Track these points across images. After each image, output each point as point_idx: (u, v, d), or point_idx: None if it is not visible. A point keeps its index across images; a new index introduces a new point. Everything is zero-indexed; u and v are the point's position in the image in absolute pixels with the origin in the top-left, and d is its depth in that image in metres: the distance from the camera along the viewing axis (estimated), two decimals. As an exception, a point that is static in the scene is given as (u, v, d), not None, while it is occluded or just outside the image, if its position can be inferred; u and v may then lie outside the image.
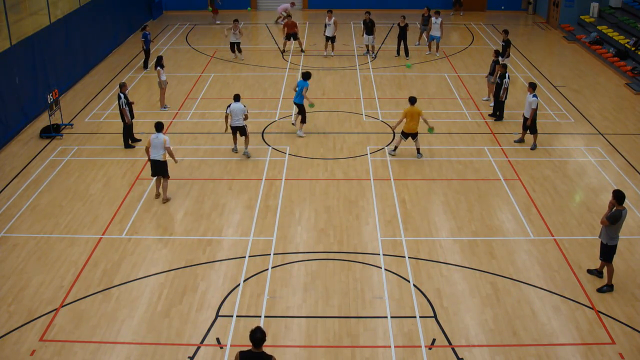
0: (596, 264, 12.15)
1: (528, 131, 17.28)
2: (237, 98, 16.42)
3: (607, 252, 11.46)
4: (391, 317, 10.93)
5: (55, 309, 11.16)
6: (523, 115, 17.44)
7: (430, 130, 16.54)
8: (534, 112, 16.93)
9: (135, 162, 16.57)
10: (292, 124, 18.79)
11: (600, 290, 11.61)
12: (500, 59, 20.48)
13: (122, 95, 16.84)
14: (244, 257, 12.62)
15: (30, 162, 16.71)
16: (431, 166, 16.29)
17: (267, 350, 8.13)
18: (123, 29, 28.30)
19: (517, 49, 27.11)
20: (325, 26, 25.52)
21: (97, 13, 25.10)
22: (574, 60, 25.76)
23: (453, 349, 10.23)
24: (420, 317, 10.92)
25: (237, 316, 10.97)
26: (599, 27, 27.87)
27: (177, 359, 10.07)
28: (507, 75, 18.64)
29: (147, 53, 23.98)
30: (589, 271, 12.11)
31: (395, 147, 16.77)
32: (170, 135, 18.18)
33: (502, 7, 34.36)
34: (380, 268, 12.24)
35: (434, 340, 10.41)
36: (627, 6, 28.38)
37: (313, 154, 17.01)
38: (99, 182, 15.61)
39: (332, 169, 16.21)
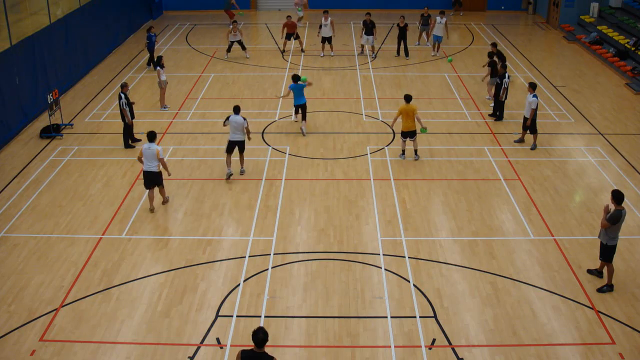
0: (596, 264, 12.15)
1: (528, 131, 17.29)
2: (236, 110, 15.43)
3: (607, 252, 11.46)
4: (391, 317, 10.93)
5: (55, 309, 11.16)
6: (523, 115, 17.44)
7: (423, 130, 16.32)
8: (534, 112, 16.93)
9: (135, 162, 16.56)
10: (295, 120, 18.98)
11: (600, 290, 11.61)
12: (496, 60, 20.45)
13: (122, 96, 16.85)
14: (244, 257, 12.62)
15: (30, 162, 16.71)
16: (431, 166, 16.29)
17: (267, 350, 8.13)
18: (123, 29, 28.29)
19: (517, 49, 27.12)
20: (321, 27, 25.47)
21: (97, 13, 25.10)
22: (574, 60, 25.76)
23: (453, 349, 10.23)
24: (420, 317, 10.92)
25: (237, 316, 10.97)
26: (599, 27, 27.87)
27: (177, 359, 10.08)
28: (507, 75, 18.64)
29: (151, 53, 23.93)
30: (589, 271, 12.11)
31: (403, 152, 16.63)
32: (170, 136, 18.19)
33: (502, 7, 34.35)
34: (380, 268, 12.24)
35: (434, 340, 10.41)
36: (627, 6, 28.38)
37: (313, 154, 17.01)
38: (99, 182, 15.61)
39: (332, 169, 16.21)
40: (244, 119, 15.30)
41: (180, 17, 32.82)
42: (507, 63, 20.11)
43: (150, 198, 14.17)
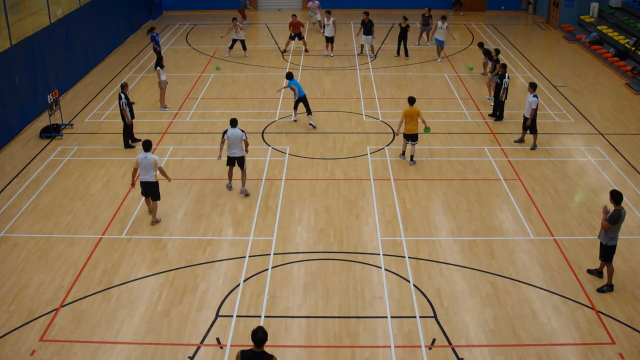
0: (596, 264, 12.15)
1: (528, 131, 17.28)
2: (233, 123, 14.56)
3: (607, 252, 11.46)
4: (391, 317, 10.93)
5: (55, 309, 11.16)
6: (523, 115, 17.44)
7: (427, 130, 16.22)
8: (534, 112, 16.93)
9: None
10: (294, 120, 18.98)
11: (600, 290, 11.61)
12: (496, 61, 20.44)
13: (122, 96, 16.85)
14: (244, 257, 12.62)
15: (30, 162, 16.71)
16: (431, 166, 16.28)
17: (267, 350, 8.13)
18: (123, 29, 28.30)
19: (517, 49, 27.13)
20: (324, 26, 25.54)
21: (97, 13, 25.10)
22: (574, 60, 25.77)
23: (453, 349, 10.23)
24: (420, 317, 10.92)
25: (237, 316, 10.97)
26: (599, 27, 27.87)
27: (177, 359, 10.07)
28: (506, 75, 18.64)
29: (159, 54, 23.74)
30: (589, 271, 12.11)
31: (403, 152, 16.57)
32: (170, 136, 18.19)
33: (502, 7, 34.36)
34: (380, 268, 12.24)
35: (434, 340, 10.41)
36: (627, 6, 28.38)
37: (313, 154, 17.01)
38: (99, 182, 15.61)
39: (332, 169, 16.21)
40: (243, 131, 14.52)
41: (180, 17, 32.84)
42: (506, 63, 20.13)
43: (148, 203, 13.86)
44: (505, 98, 18.85)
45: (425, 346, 10.28)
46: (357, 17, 30.55)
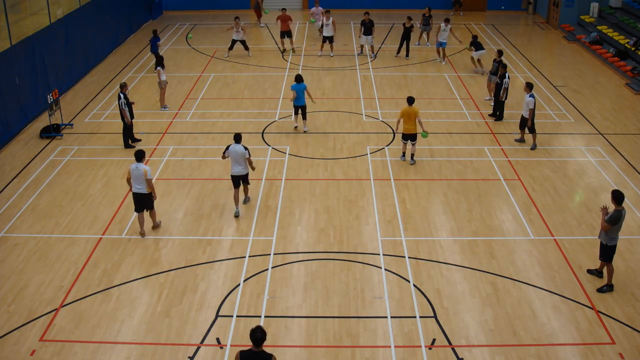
0: (596, 264, 12.15)
1: (527, 130, 17.28)
2: (237, 138, 13.68)
3: (607, 252, 11.46)
4: (391, 317, 10.93)
5: (55, 309, 11.16)
6: (521, 115, 17.44)
7: (424, 134, 15.79)
8: (532, 112, 16.94)
9: (135, 162, 16.57)
10: (295, 127, 18.58)
11: (600, 290, 11.61)
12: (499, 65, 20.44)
13: (122, 96, 16.85)
14: (244, 257, 12.62)
15: (30, 162, 16.71)
16: (431, 166, 16.28)
17: (267, 350, 8.13)
18: (123, 29, 28.30)
19: (517, 49, 27.13)
20: (322, 26, 25.53)
21: (97, 13, 25.11)
22: (574, 60, 25.77)
23: (453, 349, 10.23)
24: (420, 317, 10.92)
25: (237, 316, 10.97)
26: (599, 27, 27.88)
27: (177, 359, 10.07)
28: (507, 75, 18.64)
29: (157, 55, 23.91)
30: (589, 271, 12.11)
31: (404, 154, 16.46)
32: (170, 136, 18.19)
33: (502, 7, 34.36)
34: (380, 268, 12.24)
35: (434, 340, 10.41)
36: (627, 6, 28.38)
37: (313, 154, 17.01)
38: (99, 182, 15.61)
39: (332, 169, 16.21)
40: (246, 148, 13.57)
41: (180, 17, 32.84)
42: (506, 63, 20.14)
43: (140, 222, 13.20)
44: (506, 98, 18.85)
45: (425, 346, 10.28)
46: (357, 17, 30.55)
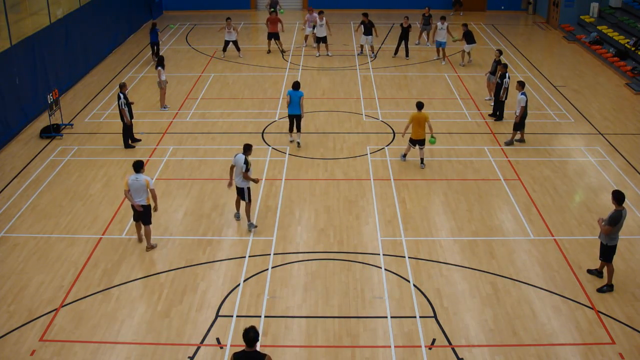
0: (596, 264, 12.14)
1: (517, 129, 17.37)
2: (246, 149, 13.10)
3: (607, 252, 11.46)
4: (391, 317, 10.93)
5: (55, 309, 11.16)
6: (515, 114, 17.54)
7: (432, 140, 15.72)
8: (523, 110, 16.99)
9: (135, 162, 16.57)
10: (291, 141, 17.60)
11: (600, 290, 11.61)
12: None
13: (121, 96, 16.84)
14: (244, 257, 12.62)
15: (30, 162, 16.71)
16: (431, 166, 16.28)
17: (267, 350, 8.15)
18: (123, 29, 28.30)
19: (517, 49, 27.13)
20: (315, 27, 25.54)
21: (97, 13, 25.11)
22: (574, 60, 25.77)
23: (453, 349, 10.23)
24: (420, 317, 10.92)
25: (237, 316, 10.97)
26: (599, 27, 27.88)
27: (177, 359, 10.07)
28: (507, 75, 18.64)
29: (153, 46, 24.51)
30: (589, 271, 12.11)
31: (404, 155, 16.42)
32: (170, 136, 18.19)
33: (502, 7, 34.37)
34: (380, 268, 12.24)
35: (434, 340, 10.41)
36: (627, 6, 28.38)
37: (313, 154, 17.01)
38: (99, 182, 15.61)
39: (332, 169, 16.21)
40: (245, 163, 12.94)
41: (180, 17, 32.84)
42: (507, 63, 20.16)
43: (138, 229, 12.89)
44: (506, 98, 18.85)
45: (425, 346, 10.28)
46: (357, 17, 30.56)
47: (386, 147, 17.32)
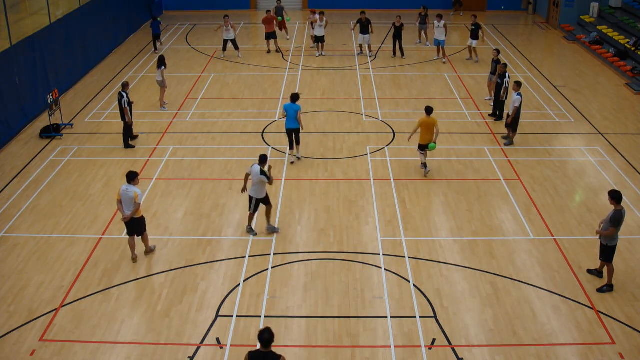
0: (596, 264, 12.15)
1: (510, 129, 17.40)
2: (262, 159, 12.86)
3: (607, 252, 11.46)
4: (391, 317, 10.93)
5: (55, 309, 11.16)
6: (507, 114, 17.56)
7: (433, 145, 15.33)
8: (516, 110, 16.99)
9: (136, 162, 16.57)
10: (292, 162, 16.42)
11: (600, 290, 11.61)
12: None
13: (124, 95, 16.87)
14: (244, 257, 12.62)
15: (30, 162, 16.71)
16: (431, 166, 16.26)
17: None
18: (123, 29, 28.30)
19: (517, 49, 27.13)
20: (314, 26, 25.53)
21: (97, 13, 25.10)
22: (574, 60, 25.77)
23: (453, 349, 10.23)
24: (420, 317, 10.92)
25: (237, 316, 10.97)
26: (599, 27, 27.88)
27: (177, 359, 10.07)
28: (507, 74, 18.64)
29: (155, 38, 25.35)
30: (589, 271, 12.11)
31: (423, 164, 15.72)
32: (170, 136, 18.18)
33: (502, 7, 34.36)
34: (380, 268, 12.24)
35: (434, 340, 10.41)
36: (627, 6, 28.38)
37: (313, 154, 17.01)
38: (99, 182, 15.61)
39: (332, 169, 16.20)
40: (264, 174, 12.64)
41: (180, 17, 32.84)
42: (506, 63, 20.17)
43: (132, 246, 12.35)
44: (506, 98, 18.84)
45: (425, 346, 10.28)
46: (357, 17, 30.59)
47: (386, 147, 17.32)
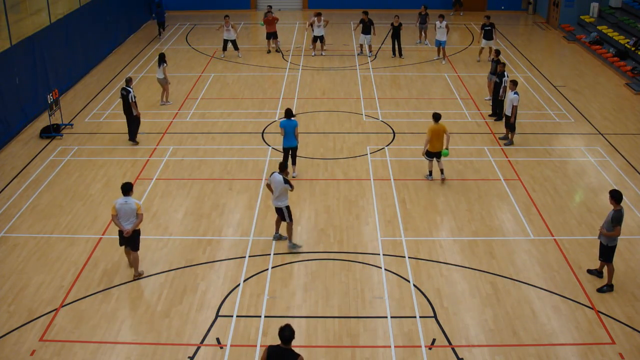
0: (596, 264, 12.14)
1: (506, 127, 17.42)
2: (281, 167, 12.62)
3: (607, 252, 11.46)
4: (391, 317, 10.93)
5: (55, 309, 11.16)
6: (504, 114, 17.54)
7: (445, 152, 15.05)
8: (515, 109, 16.99)
9: (136, 162, 16.58)
10: (291, 177, 15.51)
11: (600, 290, 11.60)
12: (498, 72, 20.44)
13: (130, 90, 17.02)
14: (244, 257, 12.62)
15: (30, 162, 16.71)
16: (436, 171, 16.25)
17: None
18: (123, 29, 28.30)
19: (517, 49, 27.13)
20: (312, 26, 25.53)
21: (97, 13, 25.11)
22: (574, 60, 25.77)
23: (453, 349, 10.23)
24: (420, 317, 10.92)
25: (237, 316, 10.97)
26: (599, 27, 27.88)
27: (177, 359, 10.07)
28: (505, 73, 18.64)
29: (160, 26, 26.19)
30: (589, 271, 12.11)
31: (430, 172, 15.51)
32: (170, 136, 18.19)
33: (502, 7, 34.36)
34: (380, 268, 12.24)
35: (434, 340, 10.41)
36: (627, 6, 28.38)
37: (313, 154, 17.01)
38: (99, 182, 15.61)
39: (332, 169, 16.20)
40: (287, 181, 12.42)
41: (180, 17, 32.84)
42: (506, 62, 20.17)
43: (127, 253, 11.96)
44: (505, 97, 18.83)
45: (425, 346, 10.28)
46: (358, 17, 30.55)
47: (386, 147, 17.32)
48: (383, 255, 12.65)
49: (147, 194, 14.95)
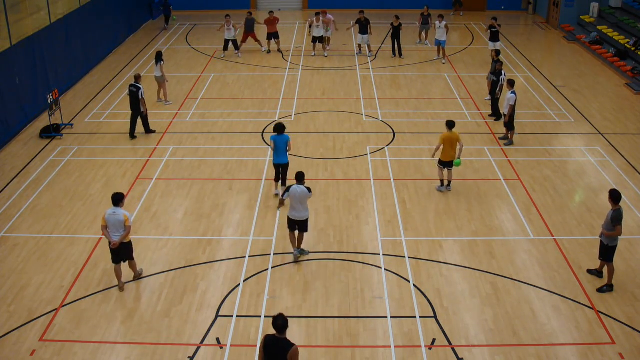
0: (596, 264, 12.14)
1: (504, 127, 17.40)
2: (299, 177, 12.06)
3: (607, 252, 11.46)
4: (391, 317, 10.93)
5: (55, 309, 11.16)
6: (502, 113, 17.54)
7: (458, 162, 14.55)
8: (512, 109, 16.99)
9: (136, 162, 16.58)
10: (275, 194, 14.83)
11: (600, 290, 11.61)
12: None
13: (140, 87, 17.28)
14: (244, 257, 12.62)
15: (30, 162, 16.71)
16: (431, 166, 16.26)
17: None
18: (123, 29, 28.30)
19: (517, 48, 27.13)
20: (311, 27, 25.54)
21: (97, 13, 25.10)
22: (574, 60, 25.77)
23: (453, 349, 10.23)
24: (420, 317, 10.92)
25: (237, 316, 10.97)
26: (599, 27, 27.88)
27: (177, 359, 10.07)
28: (503, 72, 18.64)
29: (167, 18, 27.45)
30: (589, 271, 12.11)
31: (442, 182, 15.05)
32: (170, 136, 18.18)
33: (502, 7, 34.36)
34: (380, 268, 12.24)
35: (434, 340, 10.41)
36: (627, 6, 28.38)
37: (313, 154, 17.01)
38: (99, 182, 15.61)
39: (332, 169, 16.20)
40: (309, 189, 12.03)
41: (180, 17, 32.80)
42: (505, 62, 20.16)
43: (118, 275, 11.54)
44: (500, 95, 18.82)
45: (425, 346, 10.28)
46: (356, 17, 30.57)
47: (386, 147, 17.32)
48: (383, 255, 12.65)
49: (147, 194, 14.95)
